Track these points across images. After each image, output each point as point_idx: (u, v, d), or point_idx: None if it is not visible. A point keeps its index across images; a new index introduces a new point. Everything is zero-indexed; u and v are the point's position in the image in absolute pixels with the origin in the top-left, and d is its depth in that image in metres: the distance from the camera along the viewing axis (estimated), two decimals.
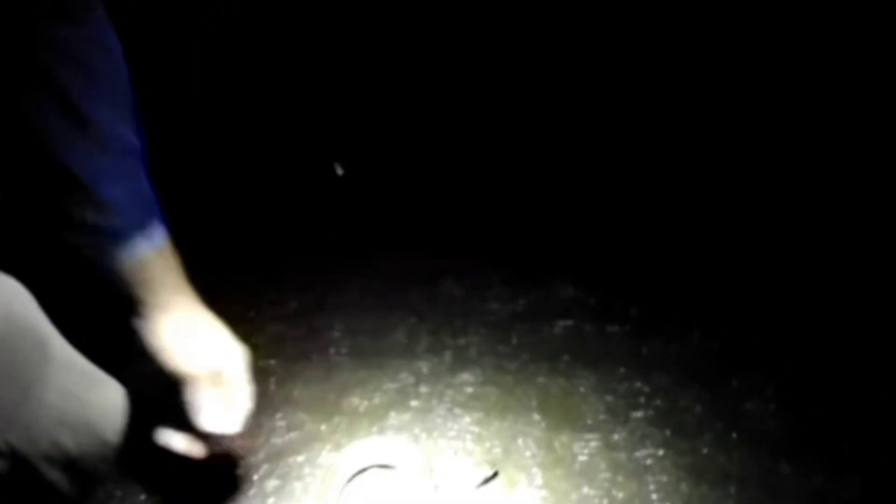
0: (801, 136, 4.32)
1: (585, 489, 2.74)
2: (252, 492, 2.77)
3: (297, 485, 2.79)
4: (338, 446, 2.90)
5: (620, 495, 2.72)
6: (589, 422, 2.97)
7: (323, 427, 2.98)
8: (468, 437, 2.94)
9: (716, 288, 3.57)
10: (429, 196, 4.23)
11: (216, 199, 4.16)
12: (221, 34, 4.44)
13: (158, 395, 2.27)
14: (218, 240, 3.82)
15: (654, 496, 2.70)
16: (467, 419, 3.00)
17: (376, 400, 3.09)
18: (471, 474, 2.78)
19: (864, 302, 3.44)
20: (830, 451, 2.83)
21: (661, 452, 2.84)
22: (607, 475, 2.78)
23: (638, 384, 3.10)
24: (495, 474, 2.79)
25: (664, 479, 2.76)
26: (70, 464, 2.21)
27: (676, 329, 3.34)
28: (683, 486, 2.73)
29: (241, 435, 2.33)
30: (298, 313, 3.49)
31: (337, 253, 3.82)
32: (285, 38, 4.59)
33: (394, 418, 3.02)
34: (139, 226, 2.08)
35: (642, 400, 3.05)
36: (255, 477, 2.81)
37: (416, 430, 2.96)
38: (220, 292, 3.56)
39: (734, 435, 2.90)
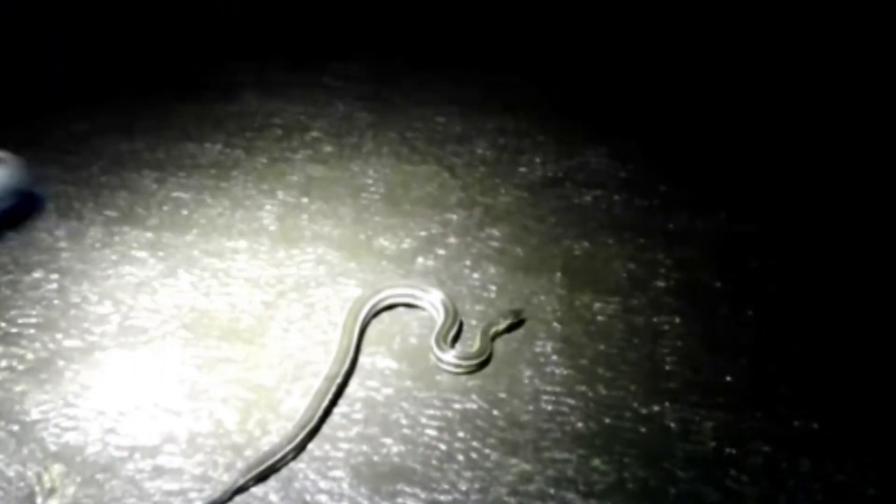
0: None
1: (602, 346, 2.82)
2: (280, 316, 2.86)
3: (323, 315, 2.88)
4: (364, 283, 2.98)
5: (633, 356, 2.80)
6: (610, 286, 3.04)
7: (352, 264, 3.06)
8: (492, 287, 3.02)
9: (746, 169, 3.60)
10: (471, 54, 4.22)
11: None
12: None
13: None
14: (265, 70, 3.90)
15: (667, 359, 2.79)
16: (492, 271, 3.08)
17: (405, 245, 3.16)
18: (497, 317, 2.88)
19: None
20: (841, 335, 2.90)
21: (677, 320, 2.92)
22: (623, 336, 2.87)
23: (660, 255, 3.17)
24: (522, 321, 2.89)
25: (678, 344, 2.84)
26: None
27: (704, 206, 3.38)
28: (696, 354, 2.81)
29: None
30: (335, 156, 3.54)
31: (373, 102, 3.85)
32: None
33: (420, 264, 3.09)
34: None
35: (663, 271, 3.11)
36: (283, 304, 2.90)
37: (442, 277, 3.04)
38: (260, 125, 3.68)
39: (750, 312, 2.97)
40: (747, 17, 4.46)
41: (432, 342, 2.77)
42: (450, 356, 2.74)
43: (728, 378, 2.74)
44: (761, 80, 4.13)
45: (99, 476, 2.38)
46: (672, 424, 2.60)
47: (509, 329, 2.87)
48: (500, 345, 2.80)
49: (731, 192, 3.47)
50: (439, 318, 2.85)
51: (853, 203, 3.45)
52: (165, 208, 3.25)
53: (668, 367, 2.77)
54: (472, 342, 2.81)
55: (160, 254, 3.06)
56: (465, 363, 2.74)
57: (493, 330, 2.84)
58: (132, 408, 2.56)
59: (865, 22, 4.18)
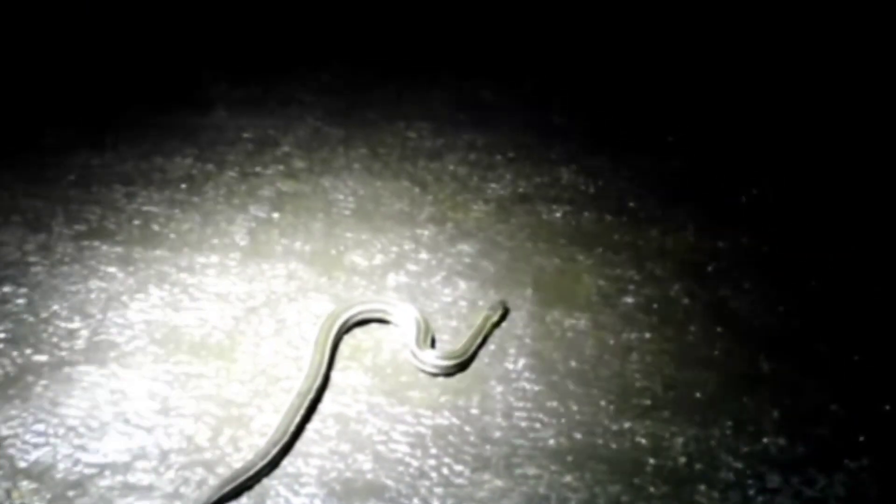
0: None
1: (573, 362, 2.84)
2: (251, 332, 2.85)
3: (295, 330, 2.87)
4: (336, 299, 2.98)
5: (604, 372, 2.82)
6: (581, 301, 3.06)
7: (323, 280, 3.06)
8: (463, 303, 3.03)
9: (714, 186, 3.62)
10: (443, 67, 4.23)
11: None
12: None
13: None
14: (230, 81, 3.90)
15: (637, 375, 2.81)
16: (463, 286, 3.09)
17: (376, 260, 3.16)
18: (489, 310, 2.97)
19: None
20: (807, 352, 2.94)
21: (647, 336, 2.94)
22: (594, 352, 2.88)
23: (630, 271, 3.19)
24: (505, 312, 2.98)
25: (648, 359, 2.86)
26: None
27: (672, 223, 3.41)
28: (666, 370, 2.84)
29: None
30: (306, 171, 3.53)
31: (344, 117, 3.85)
32: None
33: (392, 279, 3.10)
34: None
35: (632, 287, 3.13)
36: (254, 319, 2.90)
37: (414, 292, 3.05)
38: (231, 139, 3.67)
39: (719, 328, 3.00)
40: (719, 34, 4.49)
41: (412, 345, 2.79)
42: (431, 356, 2.77)
43: (698, 394, 2.77)
44: (729, 96, 4.16)
45: (69, 493, 2.37)
46: (643, 440, 2.62)
47: (500, 320, 2.95)
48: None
49: (700, 209, 3.49)
50: (413, 327, 2.86)
51: (823, 223, 3.48)
52: (136, 223, 3.23)
53: (638, 384, 2.79)
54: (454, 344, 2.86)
55: (130, 268, 3.04)
56: (445, 363, 2.77)
57: (490, 322, 2.91)
58: (102, 424, 2.55)
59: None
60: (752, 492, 2.50)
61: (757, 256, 3.30)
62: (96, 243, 3.12)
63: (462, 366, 2.80)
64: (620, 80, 4.27)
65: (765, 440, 2.64)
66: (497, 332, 2.92)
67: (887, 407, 2.76)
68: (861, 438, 2.66)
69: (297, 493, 2.41)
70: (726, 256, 3.29)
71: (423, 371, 2.77)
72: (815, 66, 4.29)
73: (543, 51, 4.38)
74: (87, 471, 2.42)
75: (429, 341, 2.83)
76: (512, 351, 2.87)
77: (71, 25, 4.23)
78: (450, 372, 2.78)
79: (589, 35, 4.54)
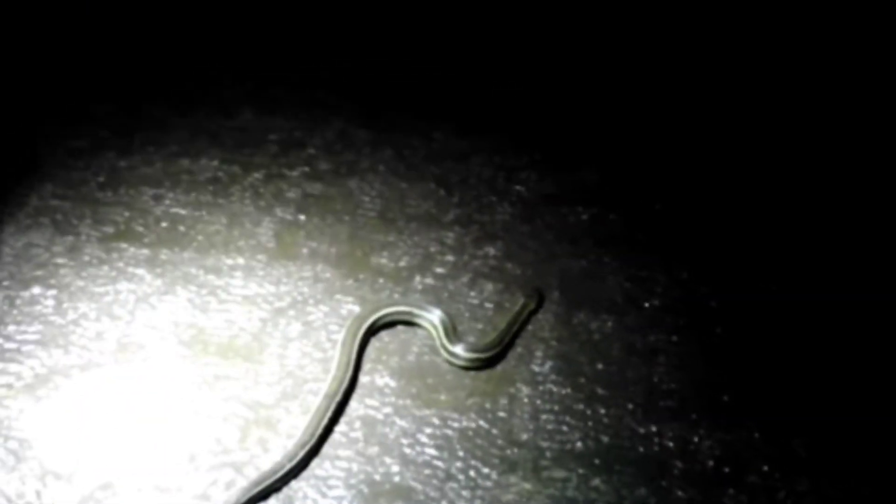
0: None
1: (599, 365, 2.84)
2: (276, 335, 2.86)
3: (321, 333, 2.88)
4: (362, 301, 2.99)
5: (631, 374, 2.82)
6: (607, 303, 3.05)
7: (348, 282, 3.07)
8: (489, 305, 3.03)
9: (745, 185, 3.60)
10: (465, 75, 4.22)
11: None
12: None
13: None
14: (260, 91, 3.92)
15: (665, 377, 2.81)
16: (489, 288, 3.08)
17: (402, 263, 3.16)
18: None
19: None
20: (840, 354, 2.93)
21: (674, 338, 2.94)
22: (620, 354, 2.88)
23: (656, 273, 3.17)
24: (541, 300, 3.03)
25: (675, 362, 2.86)
26: None
27: (700, 223, 3.40)
28: (693, 372, 2.83)
29: None
30: (332, 173, 3.54)
31: (369, 119, 3.85)
32: None
33: (418, 282, 3.10)
34: None
35: (659, 289, 3.12)
36: (281, 321, 2.91)
37: (440, 295, 3.05)
38: (256, 141, 3.67)
39: (746, 330, 2.99)
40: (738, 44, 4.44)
41: (442, 339, 2.83)
42: (461, 349, 2.80)
43: (725, 397, 2.77)
44: (756, 98, 4.13)
45: (98, 494, 2.39)
46: (670, 443, 2.62)
47: (537, 309, 3.00)
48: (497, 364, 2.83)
49: (730, 208, 3.48)
50: (440, 325, 2.87)
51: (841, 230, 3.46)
52: (163, 225, 3.24)
53: (665, 386, 2.79)
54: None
55: (158, 270, 3.06)
56: (477, 356, 2.80)
57: (528, 309, 2.97)
58: (131, 425, 2.57)
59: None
60: (781, 495, 2.50)
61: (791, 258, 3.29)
62: (124, 245, 3.14)
63: (498, 357, 2.83)
64: (646, 81, 4.23)
65: (793, 442, 2.63)
66: (523, 335, 2.92)
67: None
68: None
69: (324, 496, 2.43)
70: (758, 257, 3.28)
71: (457, 365, 2.79)
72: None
73: (568, 57, 4.36)
74: (116, 472, 2.44)
75: (458, 336, 2.85)
76: (538, 353, 2.87)
77: (93, 27, 4.24)
78: (484, 364, 2.81)
79: (612, 42, 4.50)
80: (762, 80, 4.12)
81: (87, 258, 3.08)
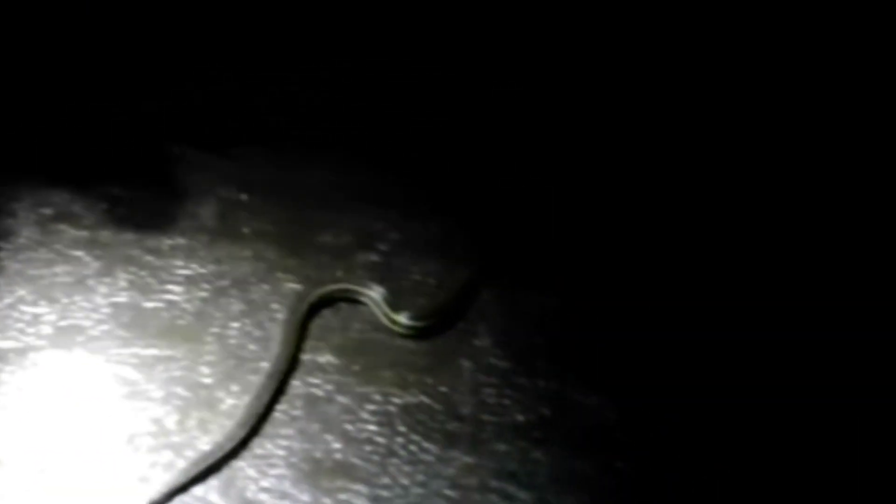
0: None
1: (540, 339, 2.86)
2: (218, 314, 2.85)
3: (263, 312, 2.87)
4: (304, 279, 2.98)
5: (574, 347, 2.84)
6: (551, 278, 3.07)
7: (291, 260, 3.05)
8: (433, 281, 3.03)
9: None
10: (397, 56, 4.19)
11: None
12: None
13: None
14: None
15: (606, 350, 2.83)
16: (433, 264, 3.08)
17: (345, 240, 3.15)
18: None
19: None
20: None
21: None
22: (562, 328, 2.90)
23: (602, 247, 3.19)
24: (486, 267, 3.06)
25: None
26: None
27: (647, 202, 3.42)
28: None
29: None
30: (275, 151, 3.51)
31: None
32: None
33: (361, 258, 3.09)
34: None
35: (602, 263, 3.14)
36: (222, 301, 2.89)
37: (383, 271, 3.04)
38: (200, 120, 3.63)
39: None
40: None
41: (387, 312, 2.84)
42: (406, 318, 2.82)
43: None
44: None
45: (36, 478, 2.36)
46: (611, 415, 2.63)
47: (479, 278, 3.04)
48: (439, 338, 2.84)
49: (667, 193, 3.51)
50: (382, 300, 2.88)
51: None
52: (102, 206, 3.19)
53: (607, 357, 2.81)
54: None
55: (97, 252, 3.01)
56: (424, 323, 2.84)
57: (475, 276, 3.02)
58: (68, 409, 2.54)
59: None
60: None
61: None
62: (62, 227, 3.09)
63: (445, 323, 2.87)
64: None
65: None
66: (469, 310, 2.93)
67: None
68: None
69: (265, 475, 2.41)
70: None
71: (406, 334, 2.82)
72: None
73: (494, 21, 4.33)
74: (54, 456, 2.42)
75: (403, 306, 2.86)
76: (481, 328, 2.87)
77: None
78: (432, 331, 2.85)
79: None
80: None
81: (23, 241, 3.03)
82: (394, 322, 2.82)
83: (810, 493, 2.53)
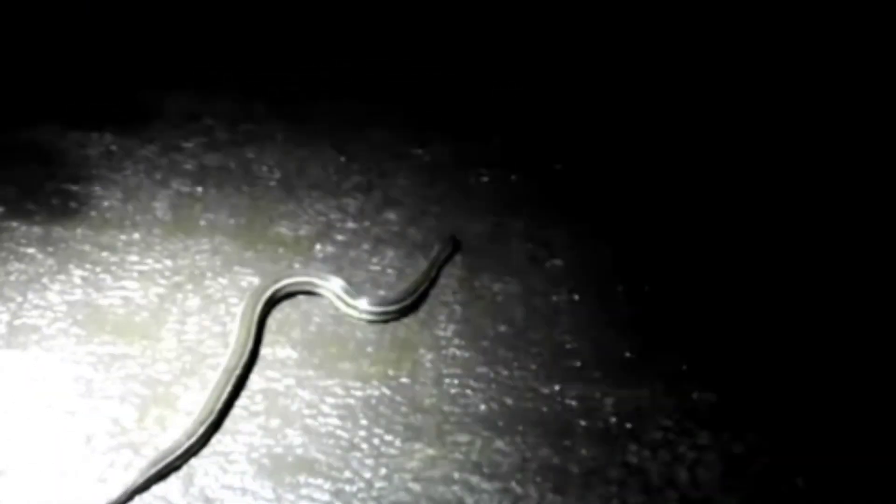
0: None
1: (502, 328, 2.84)
2: (175, 310, 2.81)
3: (221, 306, 2.84)
4: (262, 272, 2.95)
5: (535, 335, 2.83)
6: (509, 265, 3.06)
7: (248, 254, 3.02)
8: (391, 271, 3.01)
9: (643, 149, 3.63)
10: (365, 45, 4.15)
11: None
12: None
13: None
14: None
15: (567, 337, 2.83)
16: (391, 254, 3.07)
17: (302, 232, 3.13)
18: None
19: None
20: (737, 307, 2.98)
21: (575, 297, 2.95)
22: (523, 315, 2.89)
23: (559, 234, 3.18)
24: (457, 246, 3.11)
25: (577, 321, 2.88)
26: None
27: (600, 185, 3.43)
28: (595, 331, 2.85)
29: None
30: (230, 144, 3.47)
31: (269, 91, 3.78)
32: None
33: (319, 250, 3.07)
34: None
35: (561, 249, 3.13)
36: (179, 296, 2.85)
37: (341, 262, 3.02)
38: (152, 115, 3.59)
39: (646, 287, 3.02)
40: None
41: (348, 301, 2.83)
42: (372, 304, 2.83)
43: (627, 353, 2.79)
44: (651, 58, 4.14)
45: None
46: (573, 402, 2.63)
47: (451, 255, 3.07)
48: (400, 329, 2.81)
49: (630, 168, 3.52)
50: (341, 291, 2.86)
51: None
52: (55, 202, 3.15)
53: (567, 345, 2.81)
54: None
55: (50, 249, 2.97)
56: (389, 308, 2.85)
57: (442, 255, 3.05)
58: (24, 409, 2.50)
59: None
60: (682, 449, 2.53)
61: (683, 217, 3.33)
62: (14, 224, 3.05)
63: (412, 305, 2.88)
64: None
65: (694, 396, 2.67)
66: (429, 298, 2.92)
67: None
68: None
69: (225, 471, 2.39)
70: (647, 213, 3.32)
71: (371, 320, 2.82)
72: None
73: (469, 18, 4.31)
74: (11, 458, 2.37)
75: (363, 294, 2.86)
76: (441, 318, 2.86)
77: None
78: (399, 315, 2.85)
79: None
80: (663, 43, 4.14)
81: None
82: (361, 311, 2.82)
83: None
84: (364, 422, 2.54)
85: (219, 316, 2.81)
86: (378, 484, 2.39)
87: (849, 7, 4.04)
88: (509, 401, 2.62)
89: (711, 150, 3.61)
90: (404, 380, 2.66)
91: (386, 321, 2.83)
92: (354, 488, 2.38)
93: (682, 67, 4.02)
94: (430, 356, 2.74)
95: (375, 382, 2.64)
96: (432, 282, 2.97)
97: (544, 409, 2.61)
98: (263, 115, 3.65)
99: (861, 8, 4.02)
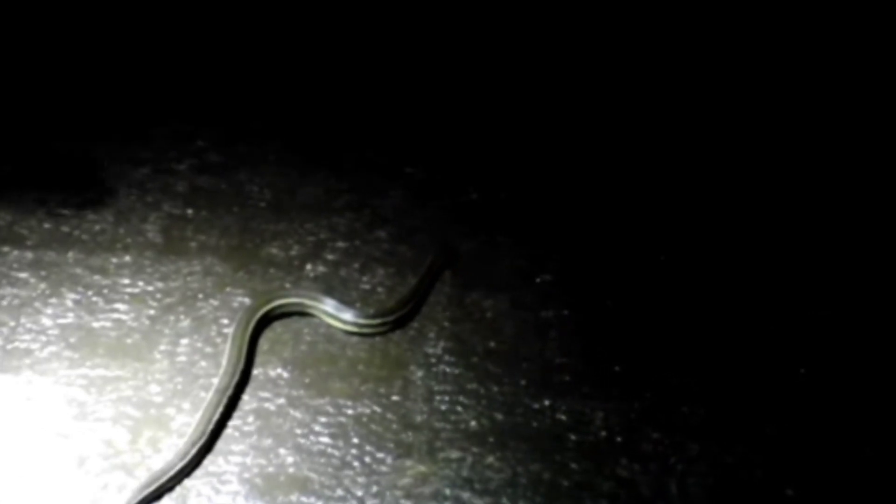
0: None
1: (492, 343, 2.86)
2: (167, 332, 2.83)
3: (213, 327, 2.85)
4: (253, 293, 2.96)
5: (524, 351, 2.85)
6: (499, 282, 3.08)
7: (240, 274, 3.04)
8: (381, 289, 3.02)
9: (632, 164, 3.65)
10: (354, 66, 4.17)
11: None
12: None
13: None
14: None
15: (557, 352, 2.85)
16: (381, 273, 3.08)
17: (293, 252, 3.15)
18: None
19: None
20: (727, 323, 3.00)
21: (565, 313, 2.97)
22: (513, 332, 2.91)
23: (549, 250, 3.21)
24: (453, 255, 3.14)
25: (567, 336, 2.90)
26: None
27: (590, 200, 3.45)
28: (584, 346, 2.87)
29: None
30: (221, 166, 3.49)
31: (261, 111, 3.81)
32: None
33: (310, 270, 3.08)
34: None
35: (551, 265, 3.15)
36: (171, 318, 2.87)
37: (332, 282, 3.04)
38: (144, 138, 3.61)
39: (636, 302, 3.04)
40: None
41: (340, 316, 2.86)
42: (366, 317, 2.87)
43: (617, 367, 2.81)
44: (634, 64, 4.17)
45: None
46: (563, 417, 2.65)
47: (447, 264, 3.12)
48: (390, 347, 2.83)
49: (618, 183, 3.54)
50: (332, 309, 2.88)
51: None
52: (46, 226, 3.17)
53: (557, 361, 2.82)
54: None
55: (42, 273, 2.99)
56: (384, 318, 2.88)
57: (437, 265, 3.08)
58: (18, 433, 2.51)
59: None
60: (672, 461, 2.54)
61: (676, 232, 3.36)
62: (6, 249, 3.06)
63: (408, 316, 2.92)
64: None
65: (683, 409, 2.69)
66: (419, 315, 2.94)
67: (802, 370, 2.84)
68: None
69: (218, 492, 2.40)
70: (641, 231, 3.34)
71: (367, 333, 2.85)
72: None
73: (454, 37, 4.33)
74: (4, 481, 2.38)
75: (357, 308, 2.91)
76: (431, 335, 2.88)
77: None
78: (394, 326, 2.89)
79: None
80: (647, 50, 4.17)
81: None
82: (357, 325, 2.85)
83: None
84: (356, 440, 2.55)
85: (210, 337, 2.82)
86: (370, 501, 2.40)
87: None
88: (500, 416, 2.64)
89: (702, 164, 3.64)
90: (395, 397, 2.68)
91: (385, 332, 2.86)
92: None
93: (671, 80, 4.04)
94: (420, 373, 2.75)
95: (366, 400, 2.66)
96: (428, 290, 3.00)
97: (535, 423, 2.62)
98: (255, 136, 3.67)
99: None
